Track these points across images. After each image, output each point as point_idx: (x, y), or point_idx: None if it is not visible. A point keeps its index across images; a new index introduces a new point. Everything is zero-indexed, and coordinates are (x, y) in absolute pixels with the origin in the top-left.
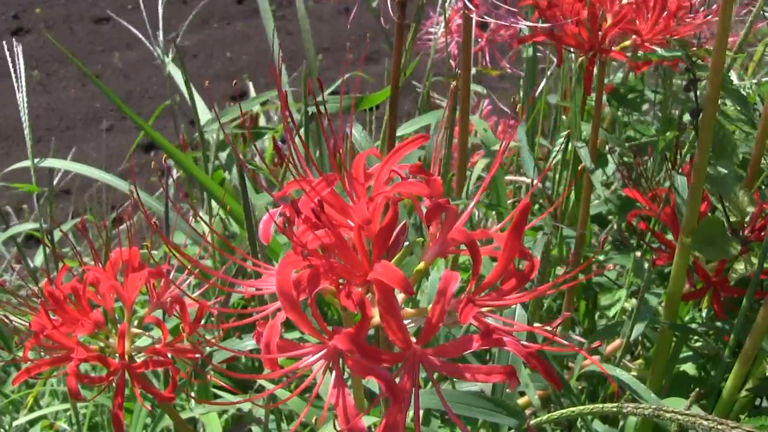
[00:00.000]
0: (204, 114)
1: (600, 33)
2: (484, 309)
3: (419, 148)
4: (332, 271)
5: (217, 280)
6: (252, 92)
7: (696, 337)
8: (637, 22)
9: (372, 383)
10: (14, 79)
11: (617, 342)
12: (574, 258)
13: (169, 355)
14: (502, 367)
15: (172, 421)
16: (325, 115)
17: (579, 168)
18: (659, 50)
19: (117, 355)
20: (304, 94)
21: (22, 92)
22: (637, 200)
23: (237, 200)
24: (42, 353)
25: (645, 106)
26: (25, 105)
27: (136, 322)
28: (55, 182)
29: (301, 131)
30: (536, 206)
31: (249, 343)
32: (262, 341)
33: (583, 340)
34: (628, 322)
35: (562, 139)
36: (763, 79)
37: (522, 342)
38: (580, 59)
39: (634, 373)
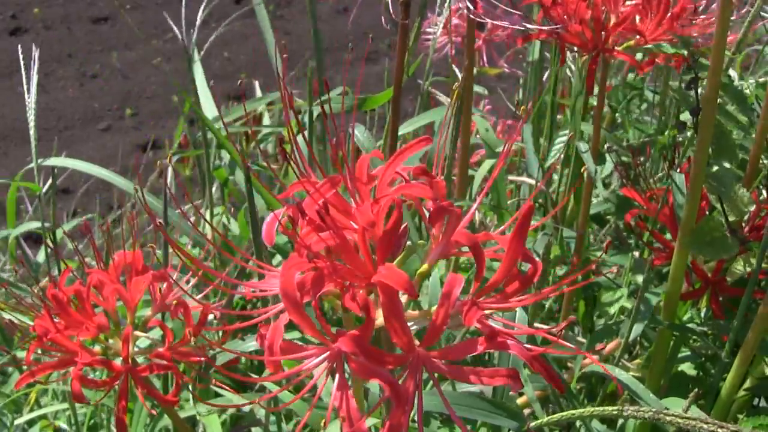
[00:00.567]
0: (211, 113)
1: (603, 33)
2: (487, 312)
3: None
4: (336, 274)
5: (220, 281)
6: (258, 91)
7: (694, 337)
8: (640, 21)
9: (372, 384)
10: (24, 80)
11: (616, 341)
12: (576, 260)
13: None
14: (505, 370)
15: (171, 421)
16: (330, 116)
17: (582, 170)
18: (665, 45)
19: (120, 358)
20: (309, 95)
21: (31, 93)
22: (635, 200)
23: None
24: (45, 356)
25: (644, 106)
26: (33, 106)
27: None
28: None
29: (305, 132)
30: (536, 205)
31: (251, 344)
32: (266, 343)
33: (583, 340)
34: (626, 322)
35: (561, 139)
36: (761, 80)
37: (525, 345)
38: (582, 59)
39: (633, 373)
